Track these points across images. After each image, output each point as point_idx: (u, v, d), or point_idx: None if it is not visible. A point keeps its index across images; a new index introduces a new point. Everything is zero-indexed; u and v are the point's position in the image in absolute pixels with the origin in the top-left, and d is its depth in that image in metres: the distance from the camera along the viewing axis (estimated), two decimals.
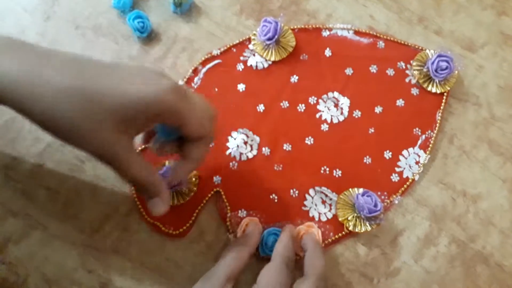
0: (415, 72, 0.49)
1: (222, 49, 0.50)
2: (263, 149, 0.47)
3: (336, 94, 0.49)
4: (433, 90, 0.48)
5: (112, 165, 0.32)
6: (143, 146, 0.46)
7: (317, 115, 0.48)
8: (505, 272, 0.45)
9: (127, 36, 0.51)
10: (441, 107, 0.48)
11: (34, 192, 0.46)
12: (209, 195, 0.46)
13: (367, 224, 0.44)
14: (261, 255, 0.44)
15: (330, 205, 0.46)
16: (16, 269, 0.44)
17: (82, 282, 0.44)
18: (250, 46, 0.50)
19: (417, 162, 0.47)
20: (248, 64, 0.50)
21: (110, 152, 0.31)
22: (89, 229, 0.45)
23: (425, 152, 0.47)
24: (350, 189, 0.46)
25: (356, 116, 0.48)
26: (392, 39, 0.50)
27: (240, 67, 0.50)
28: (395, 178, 0.46)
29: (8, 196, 0.46)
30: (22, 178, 0.46)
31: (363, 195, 0.44)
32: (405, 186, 0.46)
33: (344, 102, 0.49)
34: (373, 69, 0.50)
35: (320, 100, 0.49)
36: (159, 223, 0.45)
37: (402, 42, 0.50)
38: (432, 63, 0.47)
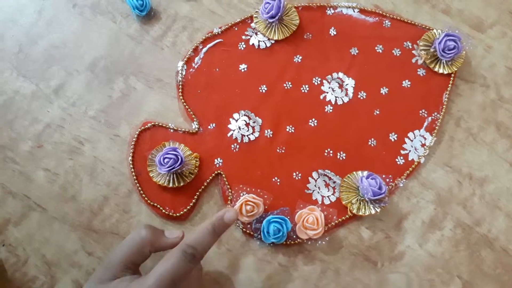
0: (422, 52, 0.48)
1: (223, 28, 0.49)
2: (266, 131, 0.46)
3: (340, 74, 0.48)
4: (440, 71, 0.47)
5: None
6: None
7: (321, 96, 0.47)
8: (510, 256, 0.44)
9: (125, 15, 0.49)
10: (448, 89, 0.47)
11: (33, 174, 0.45)
12: (211, 178, 0.45)
13: (371, 207, 0.43)
14: (266, 243, 0.43)
15: (334, 188, 0.45)
16: (16, 251, 0.44)
17: (82, 264, 0.44)
18: (252, 25, 0.49)
19: (423, 145, 0.46)
20: (250, 43, 0.48)
21: None
22: (89, 211, 0.45)
23: (431, 134, 0.46)
24: (354, 172, 0.45)
25: (361, 97, 0.47)
26: (398, 18, 0.49)
27: (242, 46, 0.48)
28: (400, 160, 0.46)
29: (6, 177, 0.45)
30: (21, 159, 0.46)
31: (367, 177, 0.43)
32: (410, 169, 0.45)
33: (349, 82, 0.47)
34: (379, 49, 0.48)
35: (324, 81, 0.48)
36: (160, 205, 0.44)
37: (409, 21, 0.49)
38: (440, 42, 0.46)
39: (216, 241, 0.37)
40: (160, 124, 0.46)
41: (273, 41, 0.48)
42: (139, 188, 0.45)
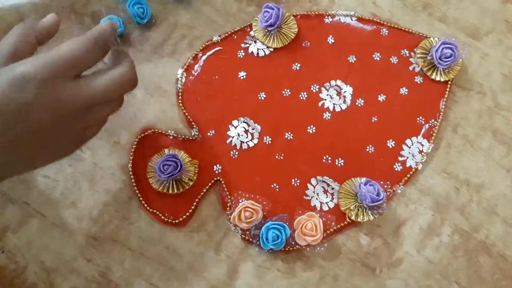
0: (419, 60, 0.48)
1: (222, 36, 0.49)
2: (264, 137, 0.47)
3: (338, 82, 0.48)
4: (437, 78, 0.48)
5: None
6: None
7: (319, 104, 0.48)
8: (508, 262, 0.44)
9: (125, 23, 0.50)
10: (445, 96, 0.48)
11: (33, 180, 0.46)
12: (210, 184, 0.45)
13: (370, 214, 0.44)
14: (265, 249, 0.43)
15: (332, 194, 0.45)
16: (15, 258, 0.44)
17: (81, 271, 0.44)
18: (251, 33, 0.49)
19: (420, 151, 0.46)
20: (249, 51, 0.49)
21: None
22: (88, 218, 0.45)
23: (428, 141, 0.47)
24: (353, 178, 0.45)
25: (359, 105, 0.48)
26: (395, 26, 0.50)
27: (241, 54, 0.49)
28: (398, 167, 0.46)
29: (6, 183, 0.45)
30: None
31: (365, 184, 0.43)
32: (408, 175, 0.46)
33: (347, 90, 0.48)
34: (377, 56, 0.49)
35: (322, 88, 0.48)
36: (159, 211, 0.44)
37: (406, 29, 0.50)
38: (436, 50, 0.47)
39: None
40: (159, 131, 0.47)
41: (272, 49, 0.49)
42: (139, 194, 0.45)
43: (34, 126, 0.31)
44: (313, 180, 0.46)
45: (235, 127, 0.47)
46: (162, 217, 0.44)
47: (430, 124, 0.47)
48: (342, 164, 0.46)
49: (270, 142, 0.47)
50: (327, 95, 0.48)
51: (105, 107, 0.36)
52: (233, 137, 0.47)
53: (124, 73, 0.35)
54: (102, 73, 0.34)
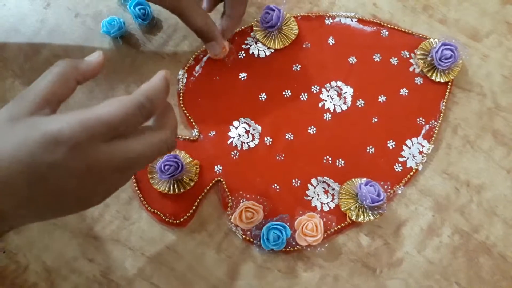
0: (419, 61, 0.48)
1: None
2: (265, 138, 0.47)
3: (339, 83, 0.48)
4: (437, 79, 0.48)
5: (181, 16, 0.41)
6: None
7: (320, 104, 0.48)
8: (508, 263, 0.44)
9: (127, 24, 0.50)
10: (445, 97, 0.48)
11: None
12: (210, 185, 0.45)
13: (370, 214, 0.44)
14: (265, 249, 0.43)
15: (333, 195, 0.45)
16: (17, 258, 0.44)
17: (83, 271, 0.44)
18: (252, 34, 0.50)
19: (420, 152, 0.46)
20: (250, 52, 0.49)
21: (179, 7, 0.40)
22: (89, 218, 0.45)
23: (428, 142, 0.47)
24: (353, 179, 0.45)
25: (360, 105, 0.48)
26: (396, 27, 0.50)
27: (242, 55, 0.49)
28: (398, 168, 0.46)
29: None
30: None
31: (366, 184, 0.44)
32: (408, 176, 0.46)
33: (347, 91, 0.48)
34: (377, 57, 0.49)
35: (323, 89, 0.48)
36: (160, 212, 0.44)
37: (406, 30, 0.50)
38: (436, 51, 0.47)
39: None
40: None
41: (272, 50, 0.49)
42: (140, 195, 0.45)
43: (58, 187, 0.28)
44: (313, 181, 0.46)
45: (236, 128, 0.47)
46: (163, 217, 0.44)
47: (430, 125, 0.47)
48: (343, 164, 0.46)
49: (270, 142, 0.47)
50: (328, 96, 0.48)
51: (138, 167, 0.33)
52: (234, 137, 0.47)
53: (165, 139, 0.33)
54: (142, 135, 0.31)
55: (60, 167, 0.27)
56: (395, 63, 0.49)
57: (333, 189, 0.45)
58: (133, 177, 0.45)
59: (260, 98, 0.48)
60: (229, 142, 0.47)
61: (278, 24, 0.48)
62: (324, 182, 0.46)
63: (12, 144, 0.27)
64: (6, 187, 0.27)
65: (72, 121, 0.27)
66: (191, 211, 0.45)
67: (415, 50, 0.49)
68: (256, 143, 0.47)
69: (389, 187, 0.45)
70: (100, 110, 0.28)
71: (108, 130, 0.28)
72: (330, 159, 0.46)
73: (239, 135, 0.47)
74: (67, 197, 0.29)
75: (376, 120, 0.47)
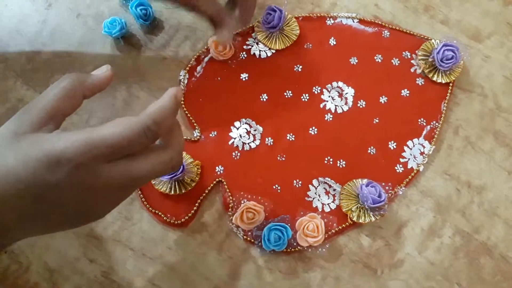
0: (421, 62, 0.48)
1: None
2: (266, 139, 0.47)
3: (340, 83, 0.48)
4: (439, 80, 0.48)
5: (193, 9, 0.41)
6: None
7: (321, 105, 0.48)
8: (509, 264, 0.44)
9: (128, 24, 0.50)
10: (447, 98, 0.48)
11: None
12: (212, 185, 0.45)
13: (371, 215, 0.44)
14: (266, 250, 0.43)
15: (334, 195, 0.46)
16: (18, 258, 0.44)
17: (84, 271, 0.44)
18: (254, 35, 0.50)
19: (421, 153, 0.46)
20: (252, 52, 0.49)
21: None
22: None
23: (430, 142, 0.47)
24: (354, 180, 0.45)
25: (361, 106, 0.48)
26: (397, 28, 0.50)
27: (243, 55, 0.49)
28: (399, 168, 0.46)
29: None
30: None
31: (367, 185, 0.44)
32: (409, 177, 0.46)
33: (349, 91, 0.48)
34: (378, 58, 0.49)
35: (324, 90, 0.48)
36: (161, 212, 0.45)
37: (408, 31, 0.50)
38: (438, 52, 0.47)
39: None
40: None
41: (274, 51, 0.49)
42: (141, 195, 0.45)
43: (59, 204, 0.28)
44: (314, 181, 0.46)
45: (237, 128, 0.47)
46: (164, 218, 0.44)
47: (431, 126, 0.47)
48: (344, 165, 0.46)
49: (272, 143, 0.47)
50: (329, 96, 0.48)
51: (140, 184, 0.35)
52: (235, 138, 0.47)
53: (171, 159, 0.32)
54: (146, 155, 0.30)
55: (62, 186, 0.27)
56: (397, 64, 0.49)
57: (334, 189, 0.46)
58: None
59: (261, 99, 0.48)
60: (230, 142, 0.47)
61: (280, 24, 0.48)
62: (325, 182, 0.46)
63: (16, 161, 0.27)
64: (8, 203, 0.27)
65: (76, 142, 0.27)
66: (192, 211, 0.45)
67: (417, 51, 0.49)
68: (257, 143, 0.47)
69: (390, 188, 0.45)
70: (105, 131, 0.28)
71: (112, 152, 0.28)
72: (331, 159, 0.46)
73: (240, 135, 0.47)
74: (69, 214, 0.29)
75: (377, 121, 0.47)
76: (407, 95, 0.48)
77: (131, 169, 0.29)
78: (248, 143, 0.47)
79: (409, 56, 0.49)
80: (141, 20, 0.49)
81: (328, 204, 0.45)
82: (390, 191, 0.45)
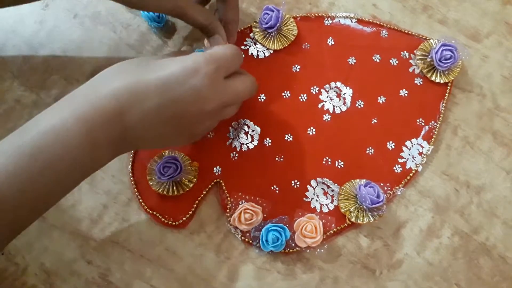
0: (419, 62, 0.48)
1: None
2: (264, 139, 0.47)
3: (338, 84, 0.48)
4: (437, 80, 0.48)
5: (182, 17, 0.43)
6: None
7: (319, 105, 0.48)
8: (508, 264, 0.44)
9: (126, 25, 0.50)
10: (445, 98, 0.48)
11: None
12: (210, 186, 0.45)
13: (370, 216, 0.44)
14: (265, 251, 0.43)
15: (332, 196, 0.45)
16: (15, 259, 0.44)
17: (82, 273, 0.44)
18: (251, 35, 0.49)
19: (420, 153, 0.46)
20: (249, 53, 0.49)
21: (179, 6, 0.41)
22: (88, 220, 0.45)
23: (428, 143, 0.47)
24: (353, 180, 0.45)
25: (359, 106, 0.48)
26: (395, 28, 0.50)
27: None
28: (398, 169, 0.46)
29: None
30: None
31: (365, 186, 0.43)
32: (408, 177, 0.46)
33: (347, 92, 0.48)
34: (376, 58, 0.49)
35: (322, 90, 0.48)
36: (159, 213, 0.44)
37: (406, 31, 0.50)
38: (436, 52, 0.47)
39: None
40: None
41: (271, 51, 0.49)
42: (139, 196, 0.45)
43: (182, 110, 0.36)
44: (313, 182, 0.46)
45: (235, 129, 0.47)
46: (162, 219, 0.44)
47: (430, 126, 0.47)
48: (342, 166, 0.46)
49: (270, 144, 0.47)
50: (327, 97, 0.48)
51: (231, 109, 0.41)
52: (233, 139, 0.47)
53: (254, 80, 0.42)
54: (240, 76, 0.40)
55: (196, 92, 0.35)
56: (395, 64, 0.49)
57: (333, 190, 0.45)
58: (132, 179, 0.45)
59: (259, 99, 0.48)
60: (228, 143, 0.47)
61: (277, 24, 0.47)
62: (323, 183, 0.46)
63: (161, 67, 0.36)
64: (140, 95, 0.35)
65: (206, 57, 0.36)
66: (190, 212, 0.45)
67: (415, 51, 0.49)
68: (255, 144, 0.47)
69: (389, 188, 0.45)
70: (219, 51, 0.38)
71: (226, 66, 0.37)
72: (329, 160, 0.46)
73: (239, 136, 0.47)
74: (186, 122, 0.37)
75: (375, 121, 0.47)
76: (406, 95, 0.48)
77: (236, 85, 0.39)
78: (246, 144, 0.46)
79: (407, 56, 0.49)
80: (155, 23, 0.48)
81: (326, 204, 0.45)
82: (389, 192, 0.45)
